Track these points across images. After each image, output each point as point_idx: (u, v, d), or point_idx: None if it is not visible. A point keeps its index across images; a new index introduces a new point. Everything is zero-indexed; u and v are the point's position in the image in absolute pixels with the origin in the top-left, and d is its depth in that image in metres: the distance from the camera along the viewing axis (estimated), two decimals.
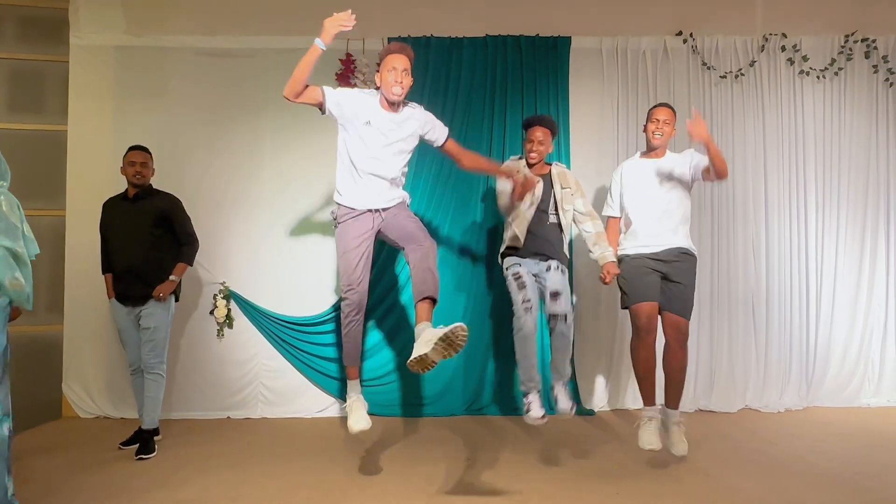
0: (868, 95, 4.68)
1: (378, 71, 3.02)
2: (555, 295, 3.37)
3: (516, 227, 3.53)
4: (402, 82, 2.96)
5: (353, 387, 3.10)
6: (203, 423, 4.26)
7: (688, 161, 3.40)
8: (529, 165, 3.58)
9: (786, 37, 4.65)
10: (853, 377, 4.60)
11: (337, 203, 3.07)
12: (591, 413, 4.41)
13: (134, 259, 3.59)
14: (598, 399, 4.53)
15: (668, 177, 3.41)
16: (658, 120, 3.42)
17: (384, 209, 3.01)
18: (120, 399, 4.37)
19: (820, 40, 4.67)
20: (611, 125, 4.62)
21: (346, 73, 4.51)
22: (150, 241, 3.62)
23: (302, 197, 4.50)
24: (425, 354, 2.61)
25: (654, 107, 3.50)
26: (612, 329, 4.55)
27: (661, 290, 3.37)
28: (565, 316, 3.34)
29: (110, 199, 3.79)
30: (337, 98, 2.99)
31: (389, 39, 4.51)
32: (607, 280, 3.46)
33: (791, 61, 4.65)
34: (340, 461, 3.37)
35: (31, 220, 2.42)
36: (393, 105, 3.01)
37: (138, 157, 3.68)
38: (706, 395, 4.49)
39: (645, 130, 3.51)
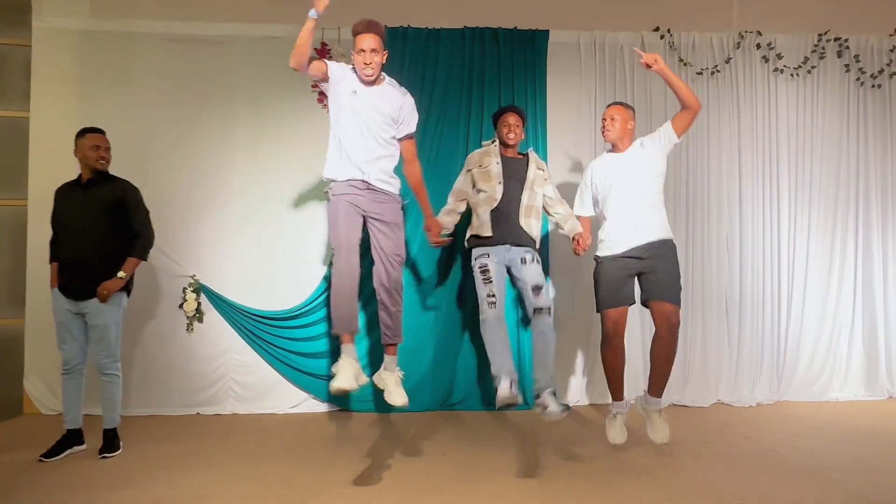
0: (840, 94, 4.75)
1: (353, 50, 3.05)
2: (536, 289, 3.35)
3: (481, 212, 3.51)
4: (370, 63, 2.98)
5: (347, 350, 2.97)
6: (171, 419, 4.15)
7: (656, 135, 3.39)
8: (508, 146, 3.60)
9: (761, 34, 4.69)
10: (822, 372, 4.68)
11: (327, 178, 3.08)
12: (566, 408, 4.40)
13: (83, 249, 3.32)
14: (574, 393, 4.53)
15: (635, 168, 3.37)
16: (605, 118, 3.46)
17: (371, 185, 3.00)
18: (85, 394, 4.22)
19: (794, 39, 4.72)
20: (588, 119, 4.61)
21: None
22: (102, 232, 3.34)
23: (275, 188, 4.42)
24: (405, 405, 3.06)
25: (607, 106, 3.53)
26: (588, 323, 4.55)
27: (642, 285, 3.37)
28: (549, 309, 3.34)
29: (63, 185, 3.51)
30: (335, 71, 3.07)
31: None
32: (579, 251, 3.48)
33: (766, 59, 4.70)
34: (313, 458, 3.31)
35: None
36: (367, 83, 3.05)
37: (102, 140, 3.43)
38: (679, 390, 4.52)
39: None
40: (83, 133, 3.43)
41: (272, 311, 4.35)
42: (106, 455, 3.33)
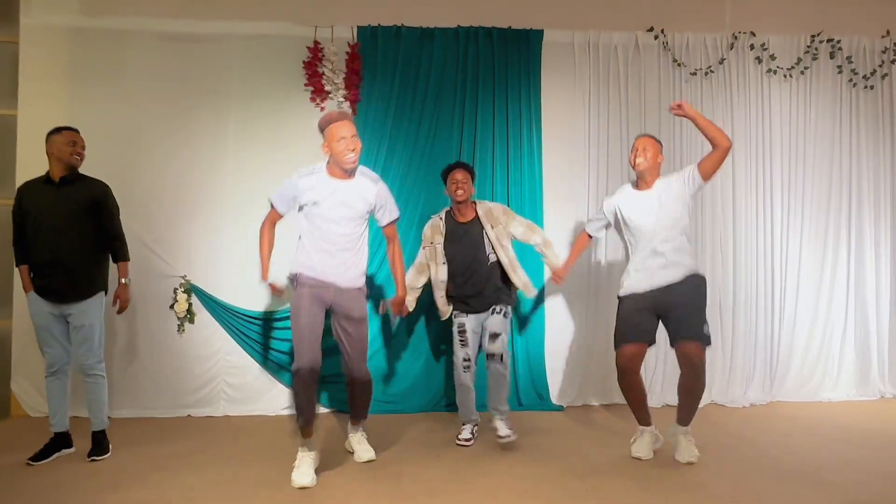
0: (832, 95, 4.77)
1: (324, 143, 3.00)
2: (493, 336, 3.54)
3: (437, 299, 3.72)
4: (354, 149, 2.96)
5: (306, 443, 3.02)
6: (162, 421, 4.11)
7: (682, 178, 3.26)
8: (458, 203, 3.64)
9: (754, 35, 4.69)
10: (814, 373, 4.70)
11: (292, 273, 3.09)
12: (559, 409, 4.40)
13: (60, 250, 3.22)
14: (567, 395, 4.52)
15: (661, 206, 3.24)
16: (636, 148, 3.31)
17: (339, 287, 3.04)
18: (72, 396, 4.17)
19: (787, 39, 4.73)
20: (582, 119, 4.60)
21: (314, 61, 4.38)
22: (79, 232, 3.25)
23: (267, 188, 4.30)
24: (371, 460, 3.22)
25: (637, 137, 3.39)
26: (581, 325, 4.54)
27: (666, 326, 3.26)
28: (501, 356, 3.51)
29: (28, 183, 3.37)
30: (283, 202, 3.10)
31: (359, 28, 4.43)
32: (556, 282, 3.69)
33: (759, 60, 4.71)
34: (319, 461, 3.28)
35: None
36: (347, 173, 3.03)
37: (78, 137, 3.34)
38: (673, 391, 4.47)
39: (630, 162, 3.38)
40: (58, 130, 3.34)
41: (264, 312, 4.31)
42: (95, 458, 3.29)
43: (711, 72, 4.66)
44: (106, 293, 3.41)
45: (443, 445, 3.57)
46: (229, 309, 4.30)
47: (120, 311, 3.44)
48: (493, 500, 2.75)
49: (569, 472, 3.10)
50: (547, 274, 4.47)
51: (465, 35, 4.50)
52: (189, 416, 4.24)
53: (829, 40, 4.73)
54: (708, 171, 3.20)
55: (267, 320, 4.31)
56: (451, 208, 3.73)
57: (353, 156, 2.96)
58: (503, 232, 3.64)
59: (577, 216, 4.56)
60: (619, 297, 3.42)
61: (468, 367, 3.58)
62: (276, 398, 4.33)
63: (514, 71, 4.51)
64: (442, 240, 3.66)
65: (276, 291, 3.06)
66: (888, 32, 4.79)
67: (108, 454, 3.36)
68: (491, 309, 3.61)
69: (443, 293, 3.69)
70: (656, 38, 4.65)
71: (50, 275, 3.25)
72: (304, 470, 2.92)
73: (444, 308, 3.74)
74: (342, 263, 3.04)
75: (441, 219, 3.72)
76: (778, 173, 4.70)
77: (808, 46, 4.73)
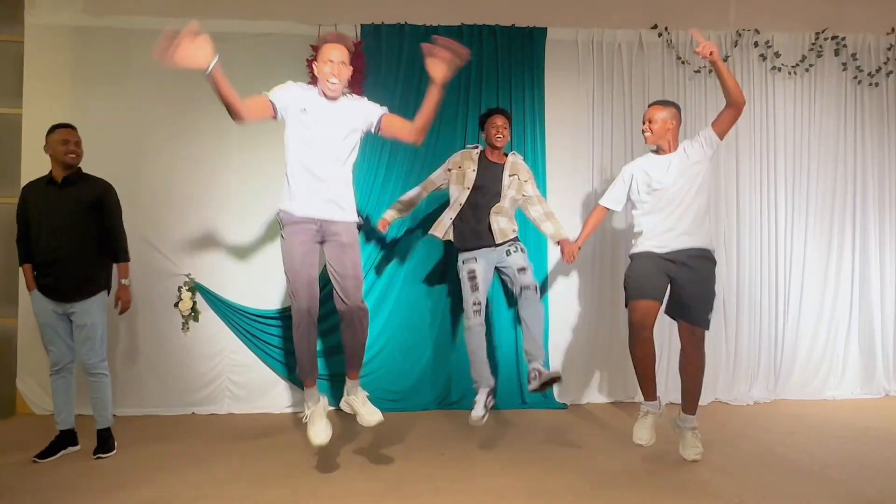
0: (837, 93, 4.75)
1: (315, 60, 2.90)
2: (521, 270, 3.52)
3: (449, 216, 3.65)
4: (339, 74, 2.82)
5: (311, 395, 2.95)
6: (167, 419, 4.12)
7: (697, 141, 3.25)
8: (495, 148, 3.68)
9: (758, 33, 4.68)
10: (819, 371, 4.69)
11: (280, 209, 2.91)
12: (563, 407, 4.40)
13: (63, 249, 3.24)
14: (570, 393, 4.52)
15: (682, 176, 3.21)
16: (643, 121, 3.32)
17: (327, 220, 2.87)
18: (77, 394, 4.19)
19: (791, 37, 4.71)
20: (586, 117, 4.60)
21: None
22: (82, 231, 3.27)
23: (270, 186, 4.35)
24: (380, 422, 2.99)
25: (648, 106, 3.38)
26: (584, 321, 4.54)
27: (671, 295, 3.26)
28: (535, 286, 3.51)
29: (31, 183, 3.40)
30: (281, 97, 2.85)
31: (363, 26, 4.43)
32: (567, 259, 3.54)
33: (763, 57, 4.69)
34: (309, 458, 3.29)
35: None
36: (331, 98, 2.89)
37: (72, 135, 3.31)
38: (677, 389, 4.45)
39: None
40: (53, 129, 3.34)
41: (268, 310, 4.32)
42: (101, 455, 3.30)
43: None
44: (109, 292, 3.43)
45: (447, 443, 3.57)
46: (234, 307, 4.31)
47: (121, 312, 3.45)
48: (498, 499, 2.76)
49: (573, 470, 3.11)
50: (551, 263, 4.47)
51: (469, 33, 4.50)
52: (193, 413, 4.26)
53: (833, 37, 4.72)
54: (723, 129, 3.18)
55: (271, 318, 4.31)
56: (484, 148, 3.75)
57: (336, 83, 2.81)
58: (517, 184, 3.67)
59: (580, 214, 4.56)
60: (630, 256, 3.37)
61: (478, 310, 3.49)
62: (280, 396, 4.35)
63: (518, 69, 4.50)
64: (475, 167, 3.66)
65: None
66: (893, 30, 4.77)
67: (114, 452, 3.37)
68: (506, 250, 3.57)
69: (453, 216, 3.65)
70: (660, 35, 4.64)
71: (52, 274, 3.26)
72: (318, 426, 2.86)
73: (444, 229, 3.67)
74: (328, 189, 2.84)
75: (477, 151, 3.75)
76: (782, 171, 4.68)
77: (813, 44, 4.71)
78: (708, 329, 3.25)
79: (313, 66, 2.92)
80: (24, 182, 4.17)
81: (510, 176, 3.67)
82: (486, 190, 3.63)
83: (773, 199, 4.67)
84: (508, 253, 3.58)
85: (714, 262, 3.27)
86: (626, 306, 3.32)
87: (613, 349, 4.52)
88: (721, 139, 3.22)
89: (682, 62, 4.63)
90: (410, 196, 3.89)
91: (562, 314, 4.55)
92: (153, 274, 4.27)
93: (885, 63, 4.75)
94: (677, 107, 3.33)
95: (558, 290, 4.54)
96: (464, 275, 3.59)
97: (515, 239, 3.64)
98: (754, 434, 3.73)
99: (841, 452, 3.37)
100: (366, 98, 3.07)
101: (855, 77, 4.74)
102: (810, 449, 3.43)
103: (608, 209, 3.55)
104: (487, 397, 3.49)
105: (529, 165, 4.44)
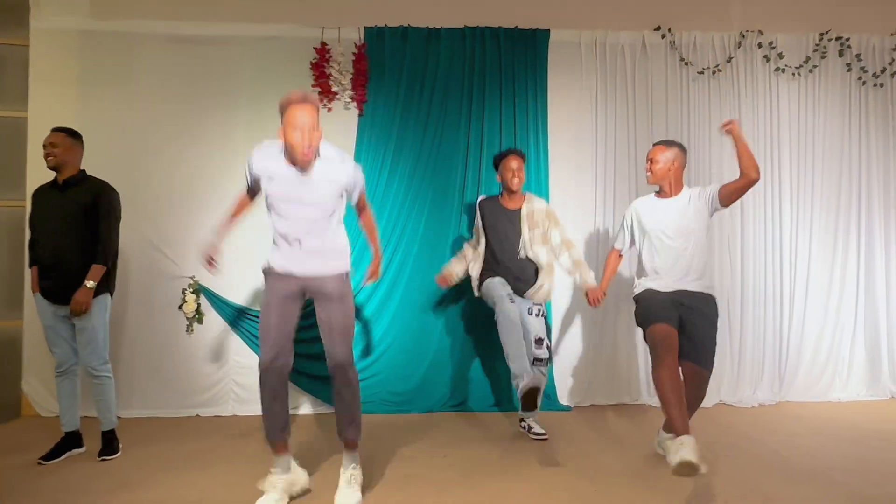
0: (841, 93, 4.73)
1: (281, 125, 2.58)
2: (539, 342, 3.64)
3: (474, 272, 3.79)
4: (311, 144, 2.53)
5: (280, 462, 2.74)
6: (171, 421, 4.13)
7: (704, 195, 3.15)
8: (511, 192, 3.73)
9: (762, 34, 4.67)
10: (824, 373, 4.67)
11: (265, 265, 2.80)
12: (567, 409, 4.39)
13: (61, 253, 3.25)
14: (575, 395, 4.51)
15: (682, 216, 3.15)
16: (649, 159, 3.23)
17: (310, 277, 2.70)
18: (83, 396, 4.20)
19: (795, 38, 4.70)
20: (589, 119, 4.59)
21: (321, 62, 4.40)
22: (79, 234, 3.26)
23: None
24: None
25: (653, 145, 3.30)
26: (589, 324, 4.53)
27: (679, 329, 3.07)
28: (547, 360, 3.70)
29: (39, 187, 3.44)
30: (251, 176, 2.73)
31: (366, 29, 4.44)
32: (592, 305, 3.54)
33: (767, 58, 4.68)
34: (313, 460, 3.29)
35: None
36: (296, 157, 2.57)
37: (51, 137, 3.31)
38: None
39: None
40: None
41: None
42: (105, 457, 3.32)
43: (719, 71, 4.64)
44: (111, 295, 3.43)
45: (450, 446, 3.57)
46: (237, 309, 4.32)
47: (72, 314, 3.23)
48: (501, 501, 2.75)
49: (577, 473, 3.10)
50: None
51: (472, 35, 4.50)
52: (198, 415, 4.27)
53: (837, 38, 4.70)
54: (729, 199, 3.09)
55: None
56: (500, 193, 3.81)
57: (309, 151, 2.53)
58: (540, 237, 3.70)
59: (583, 216, 4.56)
60: (635, 298, 3.26)
61: (513, 300, 3.51)
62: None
63: (521, 71, 4.51)
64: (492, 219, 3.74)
65: (210, 261, 2.76)
66: None
67: (118, 454, 3.38)
68: (528, 308, 3.67)
69: (480, 266, 3.76)
70: (663, 37, 4.63)
71: (52, 277, 3.28)
72: (268, 497, 2.64)
73: (477, 282, 3.77)
74: (310, 249, 2.67)
75: (494, 197, 3.84)
76: (787, 172, 4.67)
77: (817, 44, 4.70)
78: (710, 370, 3.11)
79: (279, 131, 2.59)
80: (29, 185, 4.22)
81: (529, 230, 3.68)
82: (506, 238, 3.70)
83: (778, 201, 4.66)
84: (530, 312, 3.67)
85: (717, 306, 3.19)
86: (645, 338, 3.10)
87: (618, 351, 4.51)
88: (722, 208, 3.14)
89: (686, 63, 4.63)
90: (453, 265, 3.96)
91: (566, 316, 4.55)
92: (157, 276, 4.29)
93: (890, 64, 4.74)
94: (682, 147, 3.24)
95: (563, 291, 4.53)
96: (496, 283, 3.59)
97: (542, 304, 3.73)
98: (759, 436, 3.72)
99: (846, 455, 3.36)
100: (346, 158, 2.75)
101: (859, 78, 4.73)
102: (815, 451, 3.42)
103: (621, 252, 3.51)
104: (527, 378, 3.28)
105: (531, 168, 4.46)
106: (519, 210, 3.73)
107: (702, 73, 4.64)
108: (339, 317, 2.71)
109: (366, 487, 2.91)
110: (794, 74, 4.69)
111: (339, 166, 2.67)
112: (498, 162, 3.78)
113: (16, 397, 4.24)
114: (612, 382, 4.50)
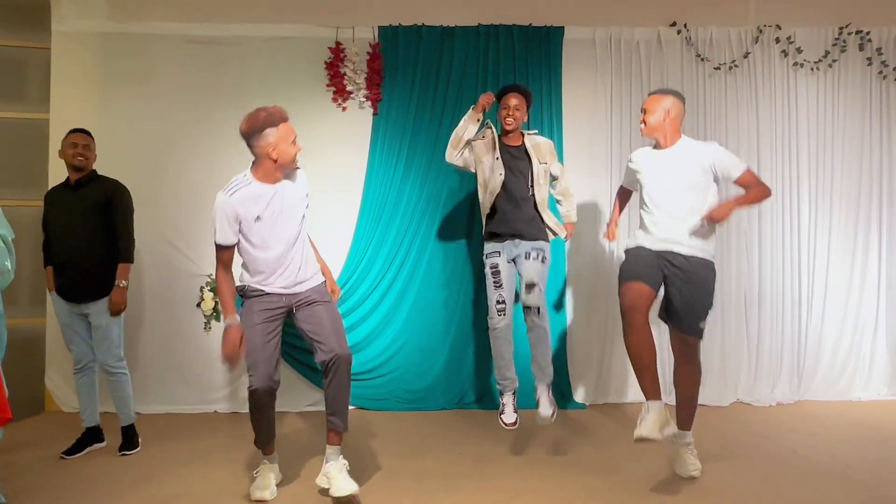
0: (862, 88, 4.65)
1: (263, 144, 2.65)
2: (529, 286, 3.29)
3: (485, 200, 3.50)
4: (300, 149, 2.72)
5: (271, 459, 2.88)
6: (189, 417, 4.19)
7: (708, 167, 2.95)
8: (506, 132, 3.50)
9: (780, 28, 4.61)
10: (844, 371, 4.59)
11: (240, 283, 2.78)
12: (582, 407, 4.38)
13: (75, 252, 3.31)
14: (589, 393, 4.50)
15: (682, 171, 2.95)
16: (643, 110, 3.05)
17: (291, 294, 2.73)
18: (104, 392, 4.28)
19: (814, 32, 4.63)
20: (604, 116, 4.56)
21: (336, 62, 4.43)
22: (92, 232, 3.32)
23: None
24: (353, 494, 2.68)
25: (648, 96, 3.13)
26: (604, 321, 4.51)
27: (668, 296, 2.96)
28: (538, 308, 3.27)
29: (52, 189, 3.52)
30: (228, 228, 2.69)
31: (380, 28, 4.46)
32: (565, 238, 3.57)
33: (785, 53, 4.62)
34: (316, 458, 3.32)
35: (12, 211, 2.37)
36: (281, 176, 2.70)
37: (80, 138, 3.39)
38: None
39: None
40: (67, 134, 3.44)
41: None
42: (126, 452, 3.38)
43: (736, 66, 4.58)
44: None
45: (465, 442, 3.58)
46: None
47: (112, 314, 3.34)
48: (514, 498, 2.76)
49: (591, 470, 3.10)
50: (571, 258, 4.45)
51: (486, 33, 4.50)
52: (215, 411, 4.32)
53: (857, 32, 4.62)
54: (740, 187, 3.00)
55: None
56: (500, 133, 3.55)
57: (296, 156, 2.70)
58: (544, 171, 3.47)
59: (598, 213, 4.53)
60: (625, 250, 3.09)
61: (503, 310, 3.31)
62: (300, 395, 4.39)
63: (535, 68, 4.49)
64: (497, 154, 3.43)
65: (231, 351, 2.60)
66: None
67: (138, 448, 3.44)
68: (525, 252, 3.37)
69: (491, 203, 3.45)
70: (679, 32, 4.59)
71: (66, 275, 3.35)
72: (260, 482, 2.77)
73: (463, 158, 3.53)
74: (291, 266, 2.71)
75: (492, 131, 3.52)
76: (805, 169, 4.60)
77: (836, 38, 4.62)
78: (701, 339, 2.97)
79: (268, 150, 2.64)
80: (50, 185, 4.29)
81: (539, 164, 3.46)
82: (510, 177, 3.43)
83: (797, 197, 4.59)
84: (528, 256, 3.36)
85: (714, 272, 2.98)
86: (619, 287, 2.96)
87: None
88: (731, 182, 3.02)
89: (702, 59, 4.58)
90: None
91: (582, 311, 4.54)
92: (175, 274, 4.35)
93: None
94: (679, 96, 3.05)
95: (579, 285, 4.51)
96: (487, 270, 3.43)
97: (545, 237, 3.45)
98: (777, 435, 3.68)
99: (867, 455, 3.31)
100: (299, 175, 2.82)
101: (880, 72, 4.63)
102: (835, 451, 3.37)
103: (627, 189, 3.43)
104: (514, 398, 3.38)
105: None
106: (522, 146, 3.50)
107: (718, 69, 4.59)
108: (329, 317, 2.74)
109: (378, 483, 2.93)
110: (812, 69, 4.62)
111: (296, 182, 2.77)
112: (499, 98, 3.53)
113: (39, 393, 4.33)
114: (627, 380, 4.48)
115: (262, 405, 2.72)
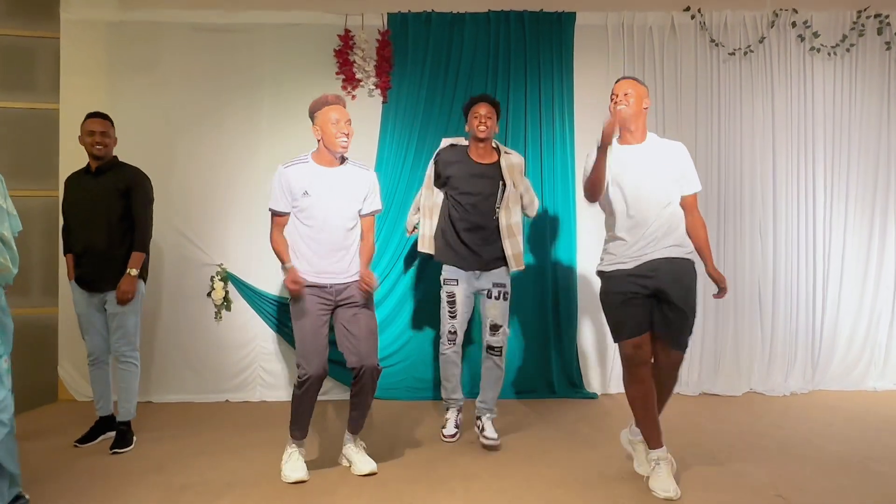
0: (880, 73, 4.56)
1: (314, 124, 2.85)
2: (494, 328, 3.30)
3: (425, 228, 3.38)
4: (347, 133, 2.83)
5: (298, 444, 2.92)
6: (201, 406, 4.20)
7: (679, 169, 2.74)
8: (480, 140, 3.32)
9: (796, 12, 4.52)
10: (860, 361, 4.54)
11: (289, 265, 2.84)
12: (593, 396, 4.36)
13: (95, 240, 3.27)
14: (601, 383, 4.47)
15: (657, 166, 2.70)
16: (616, 94, 2.75)
17: (340, 284, 2.86)
18: (114, 382, 4.31)
19: (831, 16, 4.54)
20: None
21: (345, 49, 4.39)
22: (113, 220, 3.28)
23: None
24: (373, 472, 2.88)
25: (617, 81, 2.82)
26: None
27: (651, 310, 2.70)
28: (501, 349, 3.30)
29: (72, 174, 3.46)
30: (281, 201, 2.85)
31: (389, 15, 4.43)
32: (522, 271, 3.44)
33: (801, 38, 4.53)
34: (340, 444, 3.31)
35: (23, 202, 2.36)
36: (337, 159, 2.87)
37: (97, 125, 3.31)
38: (711, 379, 4.44)
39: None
40: (85, 119, 3.38)
41: None
42: (117, 451, 3.23)
43: (751, 51, 4.51)
44: (145, 281, 3.46)
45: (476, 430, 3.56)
46: (265, 296, 4.37)
47: (119, 303, 3.28)
48: (525, 486, 2.75)
49: (602, 459, 3.08)
50: (581, 240, 4.40)
51: (496, 19, 4.45)
52: (227, 401, 4.34)
53: (876, 16, 4.53)
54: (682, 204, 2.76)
55: None
56: (468, 145, 3.37)
57: (346, 140, 2.82)
58: (515, 195, 3.32)
59: None
60: (601, 274, 2.81)
61: (453, 339, 3.32)
62: None
63: (547, 55, 4.44)
64: (459, 170, 3.29)
65: (294, 286, 2.77)
66: None
67: (132, 447, 3.31)
68: (487, 291, 3.29)
69: (434, 226, 3.37)
70: (693, 17, 4.52)
71: (85, 264, 3.33)
72: (294, 464, 2.84)
73: (413, 225, 3.55)
74: (340, 261, 2.85)
75: (457, 147, 3.38)
76: (821, 156, 4.53)
77: (854, 22, 4.53)
78: (684, 352, 2.74)
79: (313, 130, 2.86)
80: (62, 176, 4.29)
81: (514, 188, 3.28)
82: (476, 199, 3.26)
83: (812, 184, 4.53)
84: (490, 295, 3.28)
85: (695, 272, 2.73)
86: (615, 341, 2.79)
87: None
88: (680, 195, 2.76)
89: (717, 45, 4.51)
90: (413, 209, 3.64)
91: (591, 300, 4.50)
92: (186, 264, 4.35)
93: None
94: (647, 88, 2.83)
95: (587, 273, 4.48)
96: (443, 297, 3.34)
97: (508, 272, 3.30)
98: (791, 425, 3.64)
99: (884, 445, 3.27)
100: (374, 174, 3.00)
101: None
102: (850, 441, 3.34)
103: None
104: (458, 415, 3.46)
105: (558, 153, 4.41)
106: (495, 164, 3.33)
107: (733, 54, 4.52)
108: (366, 325, 2.87)
109: (392, 471, 2.92)
110: (829, 54, 4.53)
111: (363, 171, 2.96)
112: (467, 110, 3.36)
113: (52, 382, 4.35)
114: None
115: (310, 394, 2.84)
